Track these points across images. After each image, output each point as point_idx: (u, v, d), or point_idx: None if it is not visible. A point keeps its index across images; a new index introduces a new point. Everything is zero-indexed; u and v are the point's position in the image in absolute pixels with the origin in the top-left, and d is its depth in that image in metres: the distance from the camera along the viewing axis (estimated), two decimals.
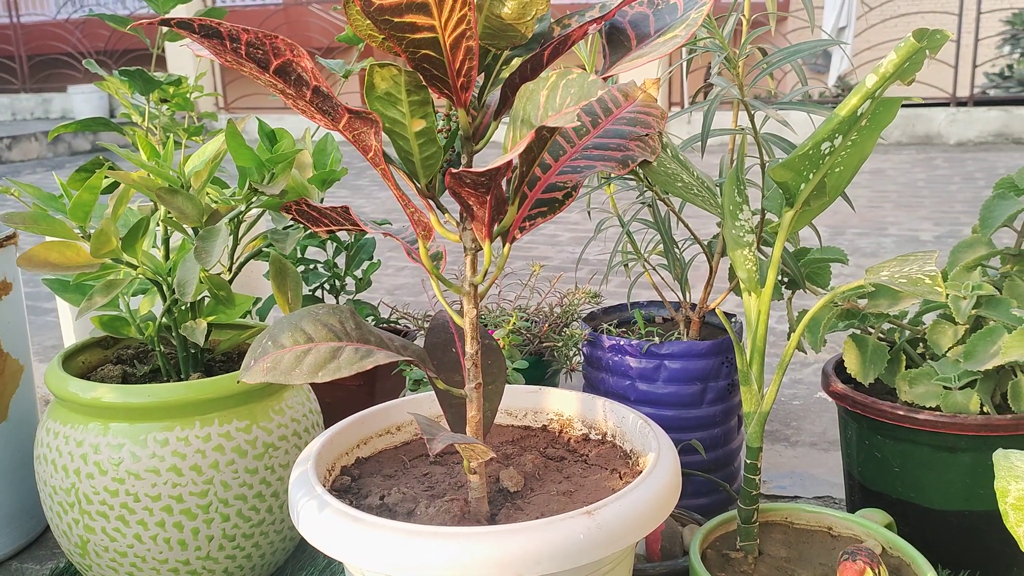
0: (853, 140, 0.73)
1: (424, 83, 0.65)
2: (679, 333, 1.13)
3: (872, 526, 0.86)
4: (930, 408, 0.93)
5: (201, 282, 0.92)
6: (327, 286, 1.32)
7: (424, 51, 0.64)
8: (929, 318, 1.04)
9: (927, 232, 3.22)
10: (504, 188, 0.71)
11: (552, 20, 0.72)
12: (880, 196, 3.96)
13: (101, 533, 0.91)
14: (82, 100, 7.19)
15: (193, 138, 1.31)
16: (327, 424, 0.98)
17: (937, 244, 3.03)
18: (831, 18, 5.23)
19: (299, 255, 1.28)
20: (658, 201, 1.03)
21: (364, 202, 4.34)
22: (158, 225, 0.96)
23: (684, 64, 1.20)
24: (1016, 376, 0.92)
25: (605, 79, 0.66)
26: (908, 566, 0.82)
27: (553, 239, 3.38)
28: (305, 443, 0.98)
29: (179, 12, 1.51)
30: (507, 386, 0.94)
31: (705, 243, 1.09)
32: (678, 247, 1.10)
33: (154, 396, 0.88)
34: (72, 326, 1.33)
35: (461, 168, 0.70)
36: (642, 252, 1.13)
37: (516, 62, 0.70)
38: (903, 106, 5.74)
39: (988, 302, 0.93)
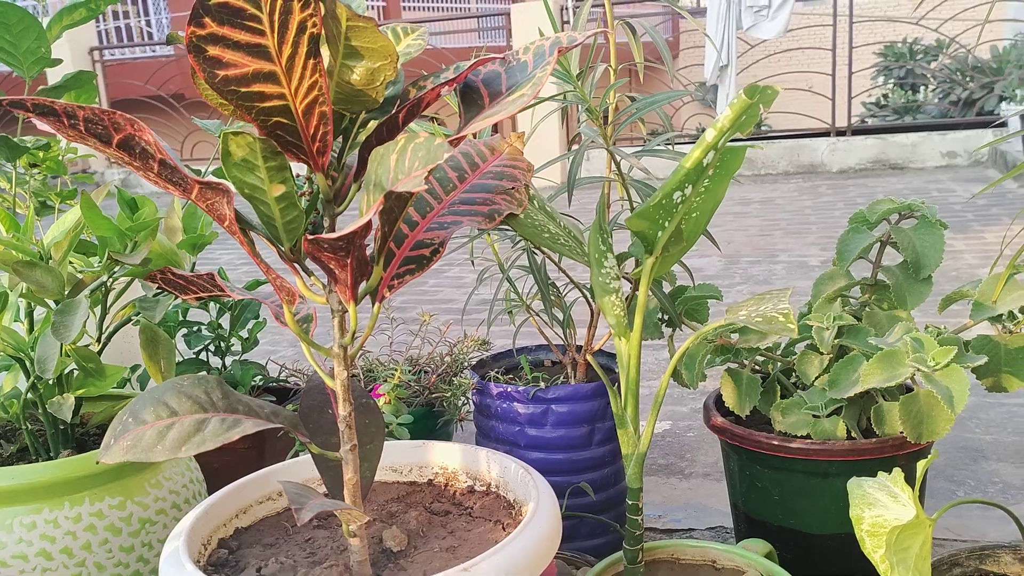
0: (705, 187, 0.76)
1: (280, 149, 0.65)
2: (566, 376, 1.14)
3: (753, 557, 0.88)
4: (802, 436, 0.96)
5: (68, 355, 0.89)
6: (212, 348, 1.29)
7: (276, 119, 0.64)
8: (801, 348, 1.08)
9: (815, 257, 3.36)
10: (371, 247, 0.72)
11: (408, 82, 0.73)
12: (771, 224, 4.11)
13: None
14: None
15: (67, 202, 1.27)
16: (211, 492, 0.95)
17: (824, 268, 3.15)
18: (712, 58, 5.45)
19: (181, 318, 1.25)
20: (533, 249, 1.05)
21: (268, 252, 4.27)
22: (20, 298, 0.93)
23: (560, 112, 1.24)
24: (878, 401, 0.97)
25: (456, 141, 0.67)
26: None
27: (458, 281, 3.39)
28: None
29: (56, 71, 1.47)
30: (391, 441, 0.94)
31: (585, 287, 1.11)
32: (558, 291, 1.12)
33: (18, 478, 0.84)
34: None
35: (322, 233, 0.70)
36: (525, 298, 1.15)
37: (373, 124, 0.71)
38: (788, 137, 5.97)
39: (849, 331, 0.98)
